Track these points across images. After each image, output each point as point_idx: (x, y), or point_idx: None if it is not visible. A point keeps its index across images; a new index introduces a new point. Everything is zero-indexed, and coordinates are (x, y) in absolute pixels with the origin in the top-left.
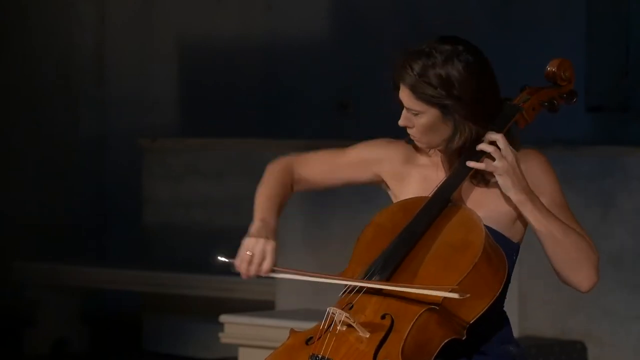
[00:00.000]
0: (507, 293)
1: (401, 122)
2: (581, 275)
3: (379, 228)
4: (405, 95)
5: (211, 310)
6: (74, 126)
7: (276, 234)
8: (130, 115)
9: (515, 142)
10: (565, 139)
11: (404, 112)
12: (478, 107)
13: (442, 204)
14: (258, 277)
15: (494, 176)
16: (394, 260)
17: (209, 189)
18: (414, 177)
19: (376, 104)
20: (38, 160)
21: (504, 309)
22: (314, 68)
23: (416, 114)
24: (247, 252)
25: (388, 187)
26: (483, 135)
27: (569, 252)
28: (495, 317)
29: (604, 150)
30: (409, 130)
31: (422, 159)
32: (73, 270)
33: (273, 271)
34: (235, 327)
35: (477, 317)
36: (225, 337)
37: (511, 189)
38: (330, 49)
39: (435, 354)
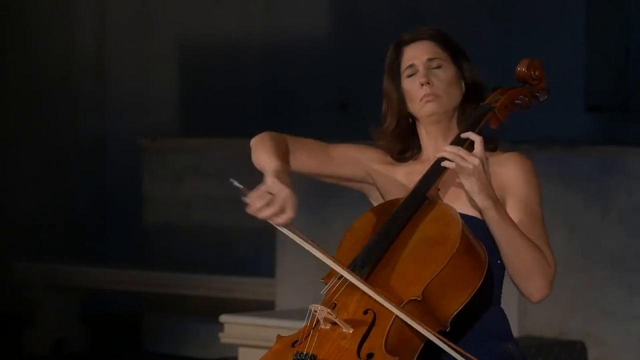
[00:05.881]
0: (507, 293)
1: (422, 79)
2: (532, 286)
3: (358, 232)
4: (427, 47)
5: (211, 310)
6: (74, 126)
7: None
8: (130, 115)
9: (490, 142)
10: (565, 139)
11: (422, 69)
12: (477, 84)
13: (418, 202)
14: (266, 222)
15: None
16: (372, 258)
17: (209, 189)
18: (400, 173)
19: (376, 104)
20: (38, 160)
21: (502, 306)
22: (314, 68)
23: (438, 67)
24: (270, 192)
25: (376, 185)
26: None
27: (524, 262)
28: (493, 314)
29: (604, 150)
30: (426, 89)
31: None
32: (73, 270)
33: (286, 226)
34: (235, 327)
35: (460, 309)
36: (225, 337)
37: (477, 194)
38: (330, 49)
39: (422, 346)
